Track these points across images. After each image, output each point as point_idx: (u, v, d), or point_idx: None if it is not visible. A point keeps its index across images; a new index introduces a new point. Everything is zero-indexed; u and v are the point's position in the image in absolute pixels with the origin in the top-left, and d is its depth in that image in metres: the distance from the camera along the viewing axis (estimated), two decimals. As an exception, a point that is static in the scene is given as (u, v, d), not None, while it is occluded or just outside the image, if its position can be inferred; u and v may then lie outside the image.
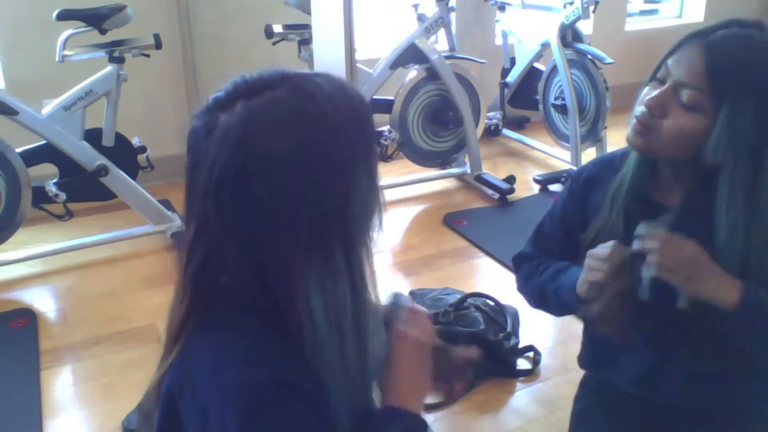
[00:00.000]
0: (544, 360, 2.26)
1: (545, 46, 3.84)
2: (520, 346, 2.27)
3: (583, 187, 1.34)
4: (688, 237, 1.12)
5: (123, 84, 2.89)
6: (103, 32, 2.79)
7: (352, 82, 0.89)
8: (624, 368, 1.31)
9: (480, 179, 3.61)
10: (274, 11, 3.35)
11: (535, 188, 3.63)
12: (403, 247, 3.08)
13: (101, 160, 2.87)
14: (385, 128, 3.50)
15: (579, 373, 1.51)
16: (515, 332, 2.29)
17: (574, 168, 3.67)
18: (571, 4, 3.62)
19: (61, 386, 2.20)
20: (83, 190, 2.91)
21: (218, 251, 0.81)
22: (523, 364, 2.25)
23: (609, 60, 3.54)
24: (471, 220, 3.28)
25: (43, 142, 2.83)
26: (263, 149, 0.77)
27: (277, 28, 3.22)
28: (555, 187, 3.62)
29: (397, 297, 1.00)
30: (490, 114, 4.22)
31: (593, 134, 3.72)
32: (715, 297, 1.10)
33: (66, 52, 2.77)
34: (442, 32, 3.71)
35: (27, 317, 2.53)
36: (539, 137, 4.16)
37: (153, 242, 3.05)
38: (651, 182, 1.24)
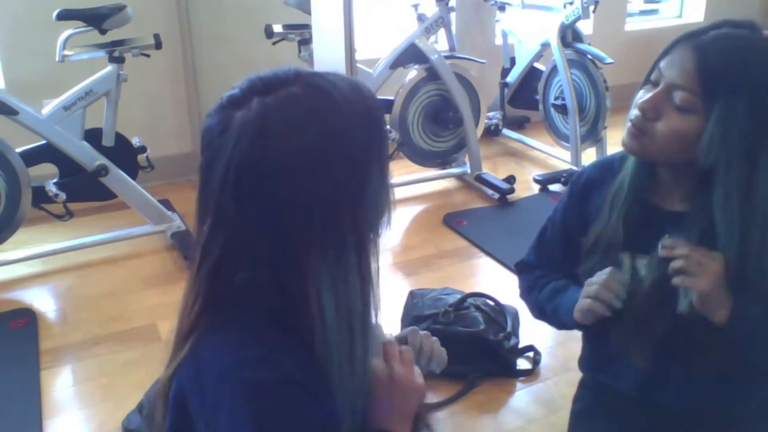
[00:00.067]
0: (544, 360, 2.26)
1: (545, 46, 3.84)
2: (520, 346, 2.27)
3: (583, 191, 1.34)
4: (692, 241, 1.14)
5: (123, 84, 2.89)
6: (103, 32, 2.79)
7: (363, 82, 0.89)
8: (625, 372, 1.31)
9: (480, 179, 3.61)
10: (274, 11, 3.35)
11: (535, 188, 3.63)
12: (403, 247, 3.08)
13: (101, 160, 2.87)
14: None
15: (579, 373, 1.51)
16: (515, 332, 2.29)
17: (575, 168, 3.67)
18: (571, 4, 3.62)
19: (61, 386, 2.20)
20: (83, 190, 2.91)
21: (234, 248, 0.81)
22: (523, 364, 2.25)
23: (609, 60, 3.54)
24: (471, 220, 3.28)
25: (43, 142, 2.83)
26: (280, 145, 0.78)
27: (277, 28, 3.22)
28: (555, 187, 3.62)
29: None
30: (490, 114, 4.23)
31: (593, 134, 3.72)
32: (713, 312, 1.12)
33: (66, 52, 2.77)
34: (442, 32, 3.71)
35: (27, 317, 2.53)
36: (539, 137, 4.16)
37: (153, 242, 3.05)
38: (649, 185, 1.24)
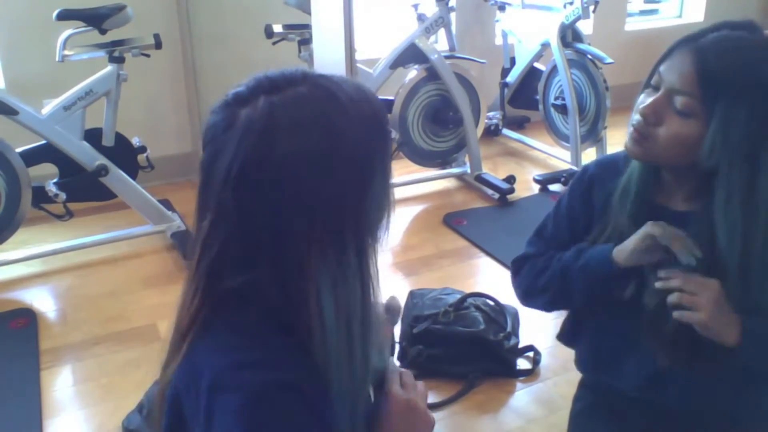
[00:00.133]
0: (544, 360, 2.26)
1: (545, 46, 3.84)
2: (520, 346, 2.27)
3: (588, 187, 1.34)
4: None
5: (123, 84, 2.89)
6: (103, 32, 2.79)
7: (368, 86, 0.89)
8: (627, 373, 1.31)
9: (480, 179, 3.61)
10: (274, 11, 3.35)
11: (535, 188, 3.63)
12: (403, 247, 3.08)
13: (101, 160, 2.87)
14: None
15: (579, 373, 1.51)
16: (515, 332, 2.29)
17: (575, 168, 3.67)
18: (571, 4, 3.62)
19: (61, 386, 2.20)
20: (83, 190, 2.91)
21: (234, 245, 0.81)
22: (523, 364, 2.25)
23: (609, 60, 3.54)
24: (471, 220, 3.28)
25: (43, 142, 2.83)
26: (285, 144, 0.77)
27: (277, 28, 3.22)
28: (555, 187, 3.62)
29: (388, 361, 1.01)
30: (490, 114, 4.23)
31: (593, 134, 3.73)
32: (721, 336, 1.12)
33: (66, 52, 2.77)
34: (442, 32, 3.71)
35: (27, 317, 2.53)
36: (539, 137, 4.16)
37: (153, 242, 3.05)
38: (654, 186, 1.24)
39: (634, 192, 1.24)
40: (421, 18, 3.55)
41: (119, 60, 2.85)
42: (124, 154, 2.98)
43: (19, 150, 2.77)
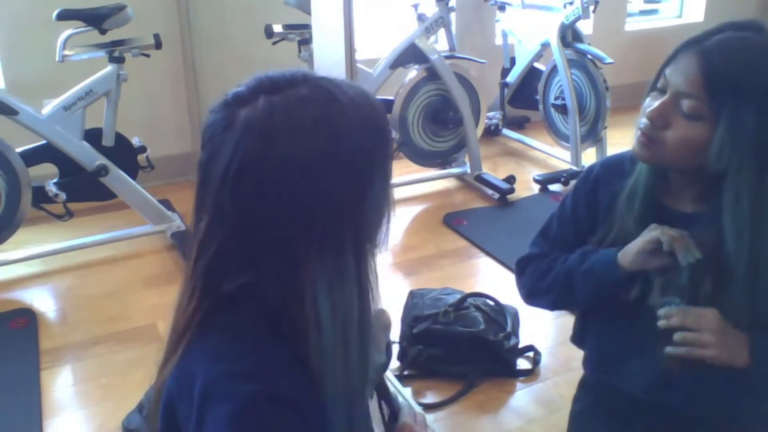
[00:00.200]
0: (544, 360, 2.26)
1: (545, 46, 3.84)
2: (520, 346, 2.27)
3: (593, 188, 1.34)
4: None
5: (123, 84, 2.89)
6: (103, 32, 2.79)
7: (369, 90, 0.88)
8: (633, 374, 1.31)
9: (480, 179, 3.61)
10: (274, 11, 3.35)
11: (535, 188, 3.63)
12: (403, 247, 3.08)
13: (101, 160, 2.87)
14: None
15: (579, 373, 1.51)
16: (515, 332, 2.29)
17: (575, 168, 3.67)
18: (571, 4, 3.62)
19: (61, 386, 2.20)
20: (83, 190, 2.91)
21: (231, 246, 0.80)
22: (523, 364, 2.25)
23: (609, 60, 3.54)
24: (471, 220, 3.28)
25: (43, 142, 2.83)
26: (284, 145, 0.77)
27: (277, 28, 3.22)
28: (555, 187, 3.62)
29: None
30: (490, 114, 4.23)
31: (593, 134, 3.72)
32: (731, 361, 1.12)
33: (66, 52, 2.77)
34: (442, 32, 3.71)
35: (27, 317, 2.53)
36: (539, 137, 4.16)
37: (153, 242, 3.05)
38: (662, 187, 1.24)
39: (642, 193, 1.24)
40: (421, 18, 3.55)
41: (119, 60, 2.85)
42: (124, 154, 2.98)
43: (19, 150, 2.77)
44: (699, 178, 1.18)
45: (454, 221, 3.26)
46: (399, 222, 3.34)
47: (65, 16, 2.73)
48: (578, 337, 1.46)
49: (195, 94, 3.56)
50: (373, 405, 1.09)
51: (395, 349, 2.27)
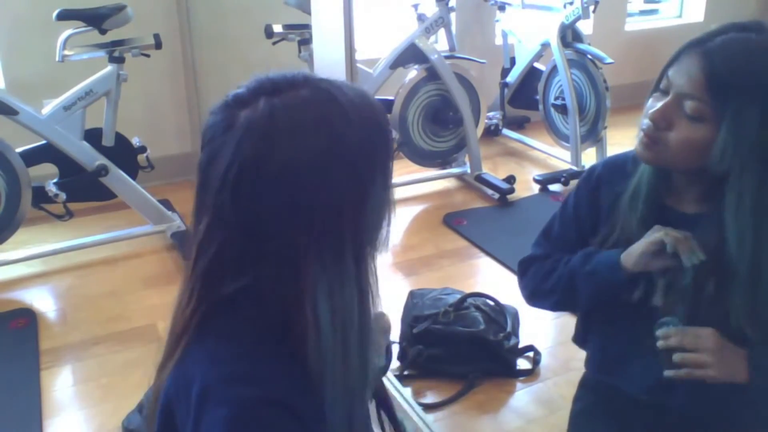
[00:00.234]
0: (544, 360, 2.26)
1: (545, 46, 3.84)
2: (520, 346, 2.27)
3: (595, 188, 1.34)
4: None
5: (123, 84, 2.89)
6: (103, 32, 2.79)
7: (368, 91, 0.88)
8: (634, 375, 1.31)
9: (480, 179, 3.61)
10: (274, 11, 3.35)
11: (535, 188, 3.63)
12: (403, 247, 3.08)
13: (101, 160, 2.87)
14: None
15: (579, 373, 1.51)
16: (515, 332, 2.29)
17: (575, 168, 3.67)
18: (571, 4, 3.62)
19: (61, 386, 2.20)
20: (83, 190, 2.91)
21: (231, 247, 0.80)
22: (523, 364, 2.25)
23: (609, 60, 3.54)
24: (471, 220, 3.28)
25: (43, 142, 2.83)
26: (285, 147, 0.77)
27: (277, 28, 3.22)
28: (555, 187, 3.62)
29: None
30: (490, 114, 4.23)
31: (593, 134, 3.72)
32: (732, 378, 1.13)
33: (66, 52, 2.77)
34: (442, 32, 3.71)
35: (27, 317, 2.53)
36: (539, 137, 4.16)
37: (153, 242, 3.05)
38: (665, 188, 1.24)
39: (644, 194, 1.23)
40: (421, 18, 3.55)
41: (119, 60, 2.85)
42: (124, 154, 2.98)
43: (19, 150, 2.77)
44: (702, 179, 1.18)
45: (454, 221, 3.26)
46: (399, 222, 3.34)
47: (65, 16, 2.73)
48: (580, 338, 1.46)
49: (195, 94, 3.56)
50: (372, 409, 1.08)
51: (395, 349, 2.27)
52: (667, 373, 1.14)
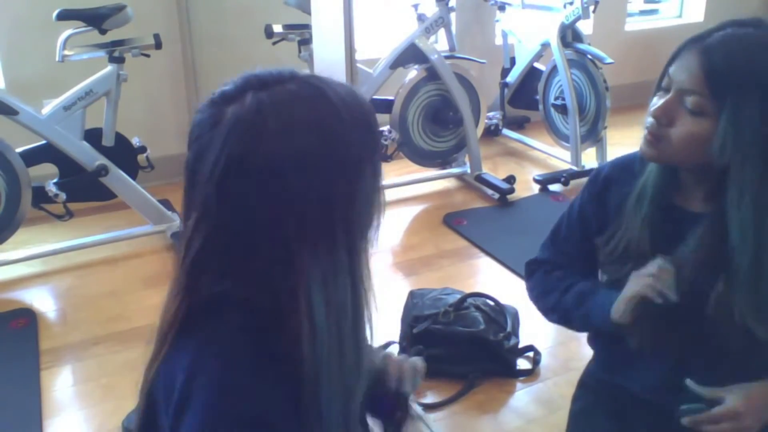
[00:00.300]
0: (544, 360, 2.26)
1: (545, 46, 3.84)
2: (520, 346, 2.27)
3: (602, 188, 1.34)
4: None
5: (123, 84, 2.89)
6: (103, 32, 2.79)
7: (354, 86, 0.88)
8: (642, 375, 1.31)
9: (480, 179, 3.61)
10: (274, 11, 3.35)
11: (535, 188, 3.63)
12: (403, 247, 3.08)
13: (101, 160, 2.87)
14: (385, 128, 3.50)
15: (579, 373, 1.51)
16: (515, 332, 2.29)
17: (575, 168, 3.67)
18: (571, 4, 3.62)
19: (61, 386, 2.20)
20: (83, 190, 2.91)
21: (216, 242, 0.79)
22: (523, 364, 2.25)
23: (609, 60, 3.54)
24: (471, 220, 3.28)
25: (43, 142, 2.83)
26: (273, 140, 0.76)
27: (277, 28, 3.22)
28: (555, 187, 3.62)
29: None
30: (490, 114, 4.23)
31: (593, 134, 3.72)
32: None
33: (66, 52, 2.78)
34: (442, 32, 3.71)
35: (27, 317, 2.53)
36: (539, 137, 4.16)
37: (153, 242, 3.05)
38: (672, 187, 1.24)
39: (651, 194, 1.24)
40: (421, 18, 3.55)
41: (119, 60, 2.85)
42: (124, 154, 2.99)
43: (19, 150, 2.77)
44: (708, 176, 1.18)
45: (454, 221, 3.26)
46: (399, 222, 3.34)
47: (65, 16, 2.74)
48: (591, 337, 1.47)
49: (195, 94, 3.56)
50: None
51: (395, 349, 2.27)
52: None
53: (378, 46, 3.82)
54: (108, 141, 2.92)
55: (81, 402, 2.14)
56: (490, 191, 3.54)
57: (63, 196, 2.82)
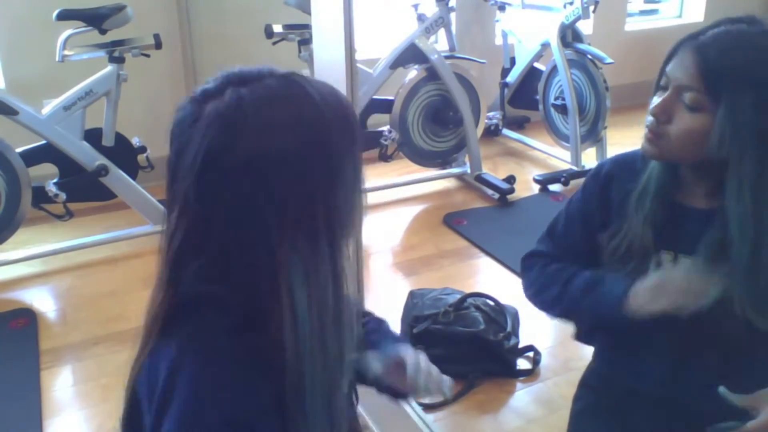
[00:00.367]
0: (544, 360, 2.26)
1: (545, 46, 3.84)
2: (520, 346, 2.27)
3: (604, 183, 1.34)
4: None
5: (123, 84, 2.89)
6: (103, 32, 2.80)
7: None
8: (649, 371, 1.31)
9: (480, 179, 3.61)
10: (274, 11, 3.35)
11: (535, 188, 3.63)
12: (403, 247, 3.08)
13: (101, 160, 2.88)
14: (385, 128, 3.50)
15: (579, 373, 1.51)
16: (515, 332, 2.29)
17: (575, 168, 3.67)
18: (571, 4, 3.62)
19: (61, 386, 2.20)
20: (83, 190, 2.91)
21: (198, 235, 0.80)
22: (523, 364, 2.25)
23: (609, 60, 3.54)
24: (471, 220, 3.28)
25: (43, 142, 2.83)
26: (254, 134, 0.77)
27: (277, 28, 3.22)
28: (555, 187, 3.62)
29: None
30: (490, 114, 4.22)
31: (593, 134, 3.72)
32: None
33: (66, 52, 2.78)
34: (442, 32, 3.71)
35: (27, 317, 2.53)
36: (539, 137, 4.16)
37: (153, 242, 3.01)
38: (674, 184, 1.25)
39: (653, 191, 1.24)
40: (421, 18, 3.55)
41: (119, 60, 2.85)
42: (124, 154, 2.99)
43: (19, 150, 2.77)
44: (709, 172, 1.19)
45: (454, 221, 3.26)
46: (399, 222, 3.34)
47: (65, 16, 2.74)
48: (584, 334, 1.46)
49: (195, 94, 3.56)
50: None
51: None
52: None
53: (378, 46, 3.82)
54: (108, 141, 2.92)
55: (81, 402, 2.14)
56: (490, 191, 3.54)
57: (63, 196, 2.83)
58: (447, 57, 3.57)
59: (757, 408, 1.14)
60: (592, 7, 3.62)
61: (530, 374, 2.21)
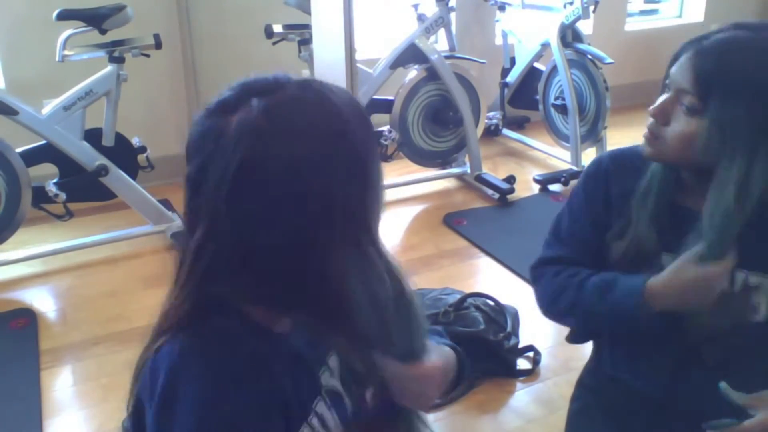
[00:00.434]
0: (544, 360, 2.26)
1: (545, 46, 3.84)
2: (520, 346, 2.27)
3: (604, 180, 1.33)
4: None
5: (123, 84, 2.89)
6: (103, 32, 2.79)
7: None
8: (649, 371, 1.31)
9: (480, 179, 3.61)
10: (274, 11, 3.35)
11: (535, 188, 3.63)
12: (403, 247, 3.08)
13: (101, 160, 2.87)
14: (385, 128, 3.50)
15: (579, 373, 1.51)
16: (515, 332, 2.29)
17: (575, 168, 3.67)
18: (571, 4, 3.62)
19: (61, 386, 2.20)
20: (83, 190, 2.91)
21: (232, 250, 0.78)
22: (523, 364, 2.25)
23: (609, 60, 3.54)
24: (471, 220, 3.28)
25: (43, 142, 2.83)
26: (286, 143, 0.76)
27: (277, 28, 3.22)
28: (555, 187, 3.62)
29: None
30: (490, 114, 4.23)
31: (593, 134, 3.72)
32: None
33: (66, 52, 2.78)
34: (442, 32, 3.71)
35: (27, 317, 2.53)
36: (539, 137, 4.16)
37: (153, 242, 3.05)
38: (675, 186, 1.25)
39: (655, 193, 1.24)
40: (421, 18, 3.55)
41: (119, 60, 2.85)
42: (124, 154, 2.99)
43: (19, 150, 2.77)
44: (708, 176, 1.19)
45: (454, 221, 3.26)
46: (399, 222, 3.34)
47: (65, 16, 2.74)
48: (579, 335, 1.45)
49: (195, 94, 3.56)
50: None
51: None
52: None
53: (378, 46, 3.82)
54: (108, 141, 2.92)
55: (81, 402, 2.14)
56: (490, 191, 3.54)
57: (63, 196, 2.82)
58: (447, 57, 3.57)
59: (757, 408, 1.14)
60: (592, 7, 3.62)
61: (530, 374, 2.21)
